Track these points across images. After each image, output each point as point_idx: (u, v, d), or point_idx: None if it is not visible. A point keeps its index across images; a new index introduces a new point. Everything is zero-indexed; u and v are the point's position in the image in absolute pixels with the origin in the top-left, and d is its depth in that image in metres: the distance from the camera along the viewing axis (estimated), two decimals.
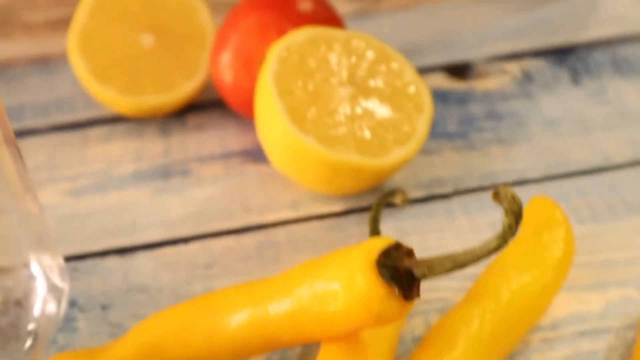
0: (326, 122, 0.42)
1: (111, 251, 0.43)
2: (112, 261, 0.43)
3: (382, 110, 0.43)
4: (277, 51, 0.44)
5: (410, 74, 0.45)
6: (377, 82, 0.44)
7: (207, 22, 0.52)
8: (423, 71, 0.54)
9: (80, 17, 0.51)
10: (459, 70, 0.54)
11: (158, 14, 0.52)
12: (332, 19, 0.49)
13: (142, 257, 0.43)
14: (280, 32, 0.47)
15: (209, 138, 0.50)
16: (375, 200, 0.43)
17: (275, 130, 0.42)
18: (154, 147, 0.50)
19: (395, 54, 0.45)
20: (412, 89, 0.44)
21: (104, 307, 0.41)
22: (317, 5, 0.49)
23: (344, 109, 0.43)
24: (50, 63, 0.58)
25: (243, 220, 0.44)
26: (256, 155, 0.49)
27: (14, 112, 0.54)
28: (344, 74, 0.44)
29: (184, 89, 0.51)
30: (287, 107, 0.42)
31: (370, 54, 0.44)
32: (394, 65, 0.45)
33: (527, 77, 0.52)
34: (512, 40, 0.56)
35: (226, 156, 0.49)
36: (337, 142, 0.42)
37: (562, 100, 0.50)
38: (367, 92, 0.43)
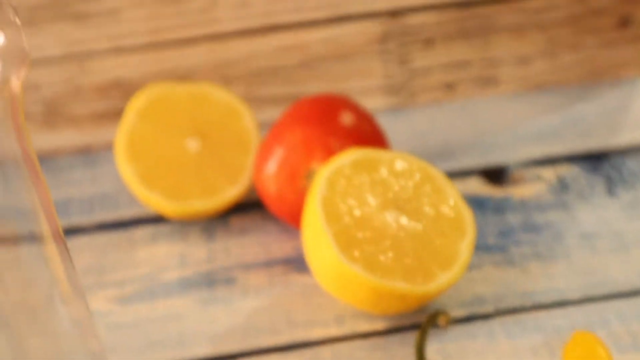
0: (372, 248, 0.43)
1: None
2: None
3: (426, 235, 0.44)
4: (324, 176, 0.45)
5: (453, 195, 0.46)
6: (421, 206, 0.45)
7: (250, 127, 0.54)
8: (459, 175, 0.55)
9: (128, 120, 0.53)
10: (495, 175, 0.55)
11: (203, 118, 0.53)
12: (374, 133, 0.50)
13: None
14: (325, 147, 0.49)
15: (252, 243, 0.51)
16: (421, 323, 0.44)
17: (323, 255, 0.43)
18: (198, 251, 0.51)
19: (438, 175, 0.46)
20: (455, 212, 0.45)
21: None
22: (359, 120, 0.50)
23: (390, 234, 0.44)
24: (94, 155, 0.59)
25: (289, 336, 0.46)
26: (299, 264, 0.50)
27: (60, 206, 0.55)
28: (390, 197, 0.45)
29: (228, 195, 0.52)
30: (335, 234, 0.43)
31: (414, 176, 0.46)
32: (437, 187, 0.46)
33: (563, 185, 0.53)
34: (547, 141, 0.57)
35: (269, 264, 0.50)
36: (383, 269, 0.43)
37: (598, 213, 0.51)
38: (412, 216, 0.45)
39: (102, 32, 0.58)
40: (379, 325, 0.46)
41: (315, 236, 0.44)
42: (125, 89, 0.60)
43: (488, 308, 0.46)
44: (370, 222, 0.44)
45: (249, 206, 0.54)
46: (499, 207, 0.52)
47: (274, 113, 0.61)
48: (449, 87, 0.62)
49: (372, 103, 0.62)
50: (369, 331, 0.45)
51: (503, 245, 0.49)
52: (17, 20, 0.32)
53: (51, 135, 0.61)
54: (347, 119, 0.50)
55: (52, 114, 0.60)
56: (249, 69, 0.60)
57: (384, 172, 0.45)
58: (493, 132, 0.59)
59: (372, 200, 0.45)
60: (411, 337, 0.45)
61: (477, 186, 0.54)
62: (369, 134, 0.50)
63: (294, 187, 0.49)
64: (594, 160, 0.55)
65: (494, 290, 0.47)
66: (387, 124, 0.60)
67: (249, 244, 0.51)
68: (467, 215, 0.45)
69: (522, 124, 0.59)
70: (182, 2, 0.58)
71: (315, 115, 0.50)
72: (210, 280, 0.49)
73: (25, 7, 0.57)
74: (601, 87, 0.62)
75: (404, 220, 0.44)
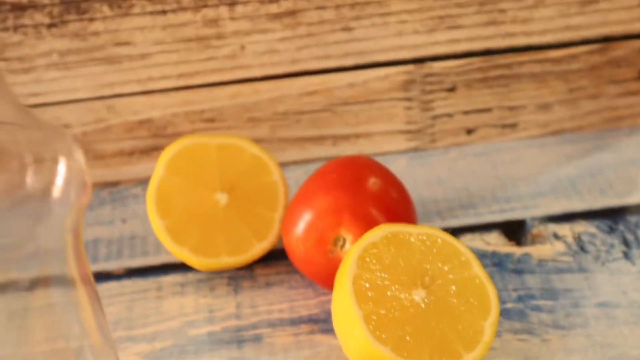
0: (401, 329, 0.45)
1: None
2: None
3: (452, 313, 0.46)
4: (356, 254, 0.46)
5: (478, 272, 0.47)
6: (448, 283, 0.47)
7: (279, 182, 0.55)
8: (479, 229, 0.57)
9: (158, 173, 0.54)
10: (514, 231, 0.56)
11: (233, 172, 0.54)
12: (401, 199, 0.52)
13: None
14: (353, 214, 0.50)
15: (278, 298, 0.53)
16: None
17: (352, 333, 0.45)
18: (225, 305, 0.53)
19: (464, 250, 0.48)
20: (480, 290, 0.47)
21: None
22: (387, 185, 0.52)
23: (418, 313, 0.46)
24: (121, 193, 0.61)
25: None
26: (324, 324, 0.52)
27: (89, 247, 0.57)
28: (418, 274, 0.46)
29: (256, 251, 0.54)
30: (365, 315, 0.45)
31: (441, 252, 0.47)
32: (463, 263, 0.47)
33: (580, 246, 0.55)
34: (564, 194, 0.58)
35: (295, 323, 0.52)
36: (411, 350, 0.45)
37: (615, 279, 0.52)
38: (439, 294, 0.46)
39: (132, 75, 0.59)
40: None
41: (346, 315, 0.45)
42: (153, 128, 0.61)
43: None
44: (399, 302, 0.46)
45: (274, 256, 0.55)
46: (518, 267, 0.54)
47: (297, 154, 0.63)
48: (470, 131, 0.63)
49: (393, 146, 0.63)
50: None
51: (522, 311, 0.51)
52: (79, 152, 0.33)
53: None
54: (375, 184, 0.51)
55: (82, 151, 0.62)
56: (275, 112, 0.61)
57: (412, 248, 0.47)
58: (512, 180, 0.60)
59: (401, 279, 0.46)
60: None
61: (497, 242, 0.56)
62: (395, 200, 0.51)
63: (321, 251, 0.51)
64: (611, 218, 0.56)
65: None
66: (408, 168, 0.62)
67: (275, 299, 0.53)
68: (492, 292, 0.47)
69: (541, 172, 0.60)
70: (212, 48, 0.59)
71: (344, 180, 0.51)
72: (239, 338, 0.51)
73: (59, 51, 0.58)
74: (619, 135, 0.63)
75: (431, 299, 0.46)
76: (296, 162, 0.63)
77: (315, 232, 0.51)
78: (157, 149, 0.62)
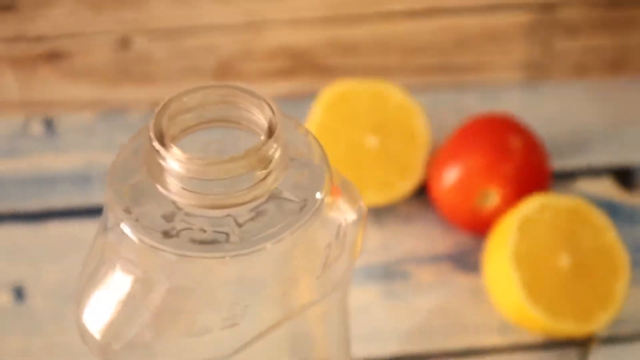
0: (551, 292, 0.52)
1: None
2: None
3: (591, 277, 0.53)
4: (514, 224, 0.53)
5: (612, 238, 0.54)
6: (588, 248, 0.53)
7: (422, 125, 0.60)
8: (590, 173, 0.63)
9: (316, 114, 0.58)
10: (625, 177, 0.62)
11: (381, 116, 0.59)
12: (542, 158, 0.58)
13: None
14: (500, 175, 0.56)
15: (419, 234, 0.60)
16: (581, 343, 0.54)
17: (509, 294, 0.52)
18: (373, 240, 0.59)
19: (602, 219, 0.54)
20: (614, 255, 0.54)
21: None
22: (529, 143, 0.57)
23: (564, 276, 0.53)
24: None
25: (462, 341, 0.55)
26: (462, 263, 0.58)
27: None
28: (564, 240, 0.53)
29: (401, 189, 0.60)
30: (521, 278, 0.52)
31: (583, 219, 0.54)
32: (601, 230, 0.54)
33: None
34: None
35: (437, 261, 0.58)
36: (558, 311, 0.52)
37: None
38: (581, 260, 0.53)
39: (281, 5, 0.63)
40: (538, 338, 0.55)
41: (503, 277, 0.52)
42: (293, 54, 0.65)
43: (626, 329, 0.55)
44: (548, 267, 0.52)
45: (414, 195, 0.61)
46: (632, 217, 0.60)
47: (425, 81, 0.67)
48: (582, 68, 0.68)
49: (511, 76, 0.68)
50: (530, 344, 0.55)
51: (637, 261, 0.58)
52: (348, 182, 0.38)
53: None
54: (520, 145, 0.57)
55: (223, 70, 0.66)
56: (408, 44, 0.65)
57: (561, 219, 0.53)
58: (623, 122, 0.65)
59: (550, 246, 0.53)
60: (568, 353, 0.54)
61: (610, 190, 0.62)
62: (536, 159, 0.57)
63: (468, 202, 0.57)
64: None
65: (631, 312, 0.56)
66: (522, 103, 0.67)
67: (416, 235, 0.60)
68: (624, 257, 0.54)
69: None
70: None
71: (492, 139, 0.57)
72: (388, 273, 0.58)
73: None
74: None
75: (574, 264, 0.53)
76: (423, 89, 0.67)
77: (465, 185, 0.57)
78: (291, 72, 0.66)
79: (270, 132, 0.32)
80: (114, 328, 0.33)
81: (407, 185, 0.60)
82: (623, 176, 0.63)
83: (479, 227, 0.58)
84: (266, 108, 0.33)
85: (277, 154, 0.32)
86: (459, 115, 0.64)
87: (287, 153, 0.33)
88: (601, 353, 0.54)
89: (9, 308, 0.56)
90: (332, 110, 0.59)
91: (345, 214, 0.36)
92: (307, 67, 0.66)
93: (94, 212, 0.61)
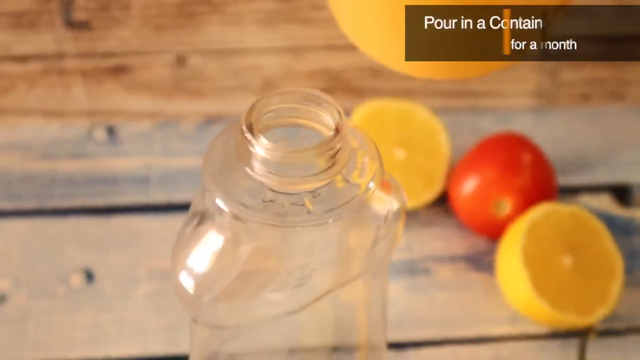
0: (556, 287, 0.60)
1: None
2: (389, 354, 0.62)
3: (591, 275, 0.61)
4: (524, 227, 0.61)
5: (609, 242, 0.62)
6: (589, 251, 0.61)
7: (444, 141, 0.68)
8: (592, 189, 0.71)
9: None
10: (622, 194, 0.71)
11: (407, 132, 0.68)
12: (549, 173, 0.66)
13: (411, 355, 0.62)
14: (513, 187, 0.64)
15: (439, 236, 0.68)
16: (579, 333, 0.62)
17: (519, 289, 0.60)
18: None
19: (600, 225, 0.62)
20: (610, 258, 0.62)
21: None
22: (540, 162, 0.65)
23: (567, 274, 0.61)
24: None
25: (476, 330, 0.63)
26: (476, 263, 0.66)
27: None
28: (567, 244, 0.61)
29: (424, 198, 0.68)
30: (530, 276, 0.60)
31: (583, 226, 0.62)
32: (598, 234, 0.62)
33: None
34: None
35: (455, 260, 0.66)
36: (562, 304, 0.60)
37: None
38: (582, 260, 0.61)
39: (320, 32, 0.71)
40: (543, 329, 0.63)
41: (514, 274, 0.60)
42: (329, 76, 0.73)
43: (621, 325, 0.63)
44: (554, 265, 0.61)
45: (435, 202, 0.69)
46: (626, 229, 0.69)
47: (445, 104, 0.75)
48: (585, 97, 0.76)
49: (521, 103, 0.76)
50: (536, 334, 0.63)
51: (630, 267, 0.66)
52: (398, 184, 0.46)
53: None
54: (530, 160, 0.65)
55: (267, 88, 0.74)
56: None
57: (565, 224, 0.61)
58: (621, 145, 0.74)
59: (556, 248, 0.61)
60: (569, 342, 0.62)
61: (607, 204, 0.70)
62: (545, 174, 0.66)
63: (484, 210, 0.65)
64: None
65: (624, 310, 0.64)
66: (532, 126, 0.75)
67: (437, 237, 0.68)
68: (619, 259, 0.62)
69: None
70: None
71: (507, 156, 0.65)
72: (412, 269, 0.66)
73: (264, 11, 0.69)
74: None
75: (576, 264, 0.61)
76: (443, 110, 0.75)
77: (481, 194, 0.65)
78: (328, 92, 0.74)
79: (337, 130, 0.40)
80: (204, 284, 0.41)
81: (429, 194, 0.68)
82: (620, 193, 0.71)
83: (493, 232, 0.66)
84: (334, 111, 0.41)
85: (341, 148, 0.40)
86: (475, 135, 0.72)
87: (349, 148, 0.41)
88: (598, 343, 0.62)
89: (81, 288, 0.64)
90: (364, 125, 0.67)
91: (391, 204, 0.44)
92: (342, 87, 0.74)
93: (151, 208, 0.69)
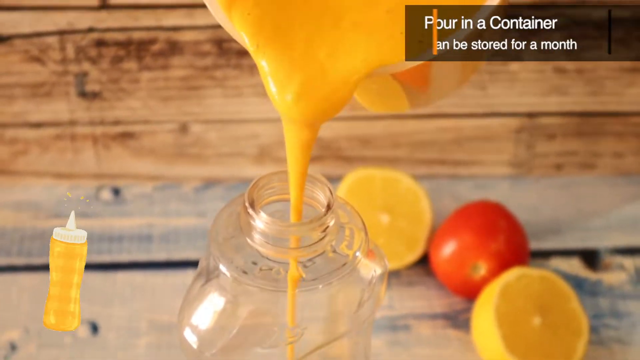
0: (526, 345, 0.66)
1: None
2: None
3: (560, 335, 0.66)
4: (497, 290, 0.66)
5: (576, 305, 0.68)
6: (557, 312, 0.67)
7: (427, 207, 0.74)
8: (563, 254, 0.77)
9: (339, 194, 0.73)
10: (590, 258, 0.76)
11: (391, 198, 0.73)
12: (522, 238, 0.71)
13: None
14: (489, 250, 0.70)
15: (419, 296, 0.73)
16: None
17: (491, 346, 0.66)
18: None
19: (568, 288, 0.68)
20: (576, 319, 0.67)
21: None
22: (513, 228, 0.71)
23: (537, 333, 0.66)
24: None
25: None
26: (455, 321, 0.72)
27: None
28: (538, 305, 0.67)
29: (407, 260, 0.73)
30: (503, 335, 0.65)
31: (552, 288, 0.67)
32: (566, 296, 0.68)
33: (639, 276, 0.75)
34: (630, 231, 0.78)
35: (433, 318, 0.72)
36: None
37: None
38: (551, 320, 0.67)
39: None
40: None
41: (487, 332, 0.66)
42: (321, 145, 0.79)
43: None
44: (525, 324, 0.66)
45: (416, 264, 0.75)
46: (593, 291, 0.74)
47: (428, 172, 0.81)
48: (558, 167, 0.82)
49: (499, 171, 0.82)
50: None
51: (596, 327, 0.72)
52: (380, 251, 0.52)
53: (259, 168, 0.80)
54: (505, 226, 0.71)
55: (262, 155, 0.80)
56: (414, 140, 0.80)
57: (535, 287, 0.67)
58: (591, 212, 0.80)
59: (526, 309, 0.66)
60: None
61: (577, 268, 0.76)
62: (518, 240, 0.71)
63: (461, 272, 0.71)
64: None
65: None
66: (508, 193, 0.81)
67: (417, 296, 0.73)
68: (584, 320, 0.67)
69: (613, 209, 0.80)
70: None
71: (483, 222, 0.71)
72: (393, 326, 0.71)
73: (262, 85, 0.75)
74: None
75: (544, 323, 0.66)
76: (426, 177, 0.81)
77: (459, 258, 0.70)
78: (320, 159, 0.80)
79: (329, 207, 0.46)
80: (206, 339, 0.47)
81: (412, 256, 0.74)
82: (588, 257, 0.77)
83: (470, 292, 0.71)
84: (326, 189, 0.47)
85: (332, 222, 0.46)
86: (455, 201, 0.78)
87: (338, 222, 0.47)
88: None
89: (87, 339, 0.69)
90: (352, 192, 0.73)
91: (375, 269, 0.50)
92: (332, 155, 0.80)
93: (153, 265, 0.74)
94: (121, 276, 0.73)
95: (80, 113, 0.75)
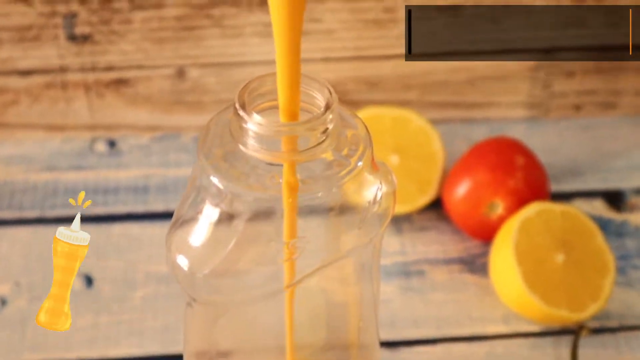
0: (548, 282, 0.61)
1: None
2: (383, 353, 0.62)
3: (583, 271, 0.62)
4: (516, 225, 0.62)
5: (601, 241, 0.63)
6: (580, 247, 0.62)
7: (438, 147, 0.70)
8: (585, 195, 0.72)
9: None
10: (614, 199, 0.72)
11: (403, 138, 0.69)
12: (540, 174, 0.67)
13: (405, 353, 0.62)
14: (506, 188, 0.65)
15: (433, 241, 0.69)
16: (573, 330, 0.63)
17: (512, 285, 0.61)
18: (392, 244, 0.68)
19: (592, 224, 0.63)
20: (602, 256, 0.63)
21: None
22: (531, 164, 0.67)
23: (559, 270, 0.61)
24: None
25: (470, 329, 0.64)
26: (471, 265, 0.67)
27: None
28: (559, 240, 0.62)
29: (419, 202, 0.69)
30: (523, 272, 0.61)
31: (574, 222, 0.63)
32: (590, 231, 0.63)
33: None
34: None
35: (448, 262, 0.67)
36: (554, 299, 0.61)
37: None
38: (574, 257, 0.62)
39: (317, 45, 0.73)
40: (535, 327, 0.64)
41: (507, 270, 0.61)
42: None
43: (614, 323, 0.64)
44: (546, 262, 0.61)
45: (429, 207, 0.71)
46: (619, 232, 0.70)
47: (440, 115, 0.77)
48: (577, 107, 0.78)
49: (514, 114, 0.78)
50: (529, 332, 0.64)
51: (623, 268, 0.67)
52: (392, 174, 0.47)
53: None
54: (523, 163, 0.66)
55: None
56: (426, 81, 0.75)
57: (557, 222, 0.62)
58: (613, 153, 0.75)
59: (548, 245, 0.62)
60: (561, 340, 0.63)
61: (600, 209, 0.71)
62: (537, 176, 0.67)
63: (477, 212, 0.66)
64: None
65: (617, 309, 0.65)
66: (525, 135, 0.76)
67: (430, 241, 0.69)
68: (610, 258, 0.63)
69: (635, 149, 0.75)
70: (384, 29, 0.72)
71: (499, 158, 0.66)
72: (406, 272, 0.67)
73: (262, 24, 0.71)
74: None
75: (568, 261, 0.62)
76: (438, 121, 0.77)
77: (475, 197, 0.66)
78: None
79: (328, 106, 0.42)
80: (198, 260, 0.43)
81: (424, 198, 0.69)
82: (612, 198, 0.72)
83: (486, 234, 0.67)
84: (325, 90, 0.42)
85: (332, 124, 0.42)
86: (469, 145, 0.74)
87: (340, 127, 0.43)
88: (590, 340, 0.63)
89: (80, 292, 0.65)
90: None
91: (380, 184, 0.45)
92: (339, 99, 0.75)
93: (150, 216, 0.70)
94: (117, 228, 0.69)
95: (70, 59, 0.72)
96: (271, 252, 0.42)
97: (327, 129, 0.42)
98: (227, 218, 0.42)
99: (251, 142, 0.41)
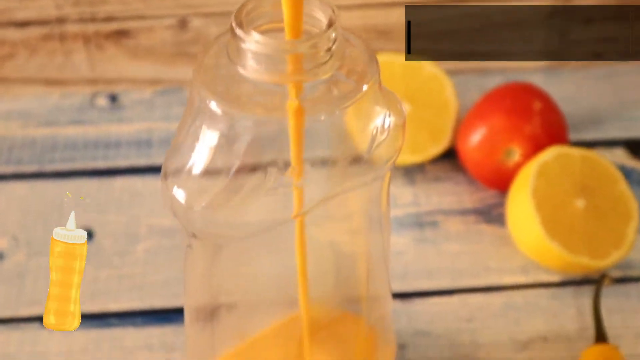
0: (568, 229, 0.58)
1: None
2: (396, 304, 0.60)
3: (605, 218, 0.59)
4: (534, 170, 0.59)
5: (624, 187, 0.60)
6: (602, 193, 0.59)
7: (451, 95, 0.67)
8: (605, 144, 0.69)
9: None
10: (636, 148, 0.69)
11: (414, 86, 0.66)
12: (558, 119, 0.64)
13: (419, 304, 0.60)
14: (522, 133, 0.62)
15: (447, 191, 0.66)
16: (595, 280, 0.60)
17: (530, 232, 0.58)
18: (405, 194, 0.66)
19: (615, 170, 0.60)
20: (625, 202, 0.60)
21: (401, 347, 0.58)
22: (548, 108, 0.64)
23: (579, 216, 0.59)
24: None
25: (487, 279, 0.61)
26: (487, 216, 0.64)
27: None
28: (579, 186, 0.59)
29: (431, 151, 0.66)
30: (542, 218, 0.58)
31: (595, 168, 0.60)
32: (614, 180, 0.60)
33: None
34: None
35: (463, 213, 0.65)
36: (575, 246, 0.58)
37: None
38: (596, 203, 0.59)
39: None
40: (555, 277, 0.61)
41: (525, 217, 0.58)
42: None
43: (637, 272, 0.61)
44: (566, 208, 0.59)
45: (441, 157, 0.68)
46: None
47: (453, 65, 0.74)
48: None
49: (531, 64, 0.75)
50: (549, 282, 0.61)
51: None
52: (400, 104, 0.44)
53: None
54: (539, 108, 0.63)
55: None
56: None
57: (577, 167, 0.60)
58: (634, 102, 0.72)
59: (568, 190, 0.59)
60: (581, 289, 0.60)
61: (623, 157, 0.68)
62: (554, 121, 0.64)
63: (492, 159, 0.63)
64: None
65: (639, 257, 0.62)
66: (542, 84, 0.73)
67: (444, 192, 0.66)
68: (634, 204, 0.60)
69: None
70: None
71: (515, 103, 0.63)
72: (419, 222, 0.64)
73: None
74: None
75: (589, 206, 0.59)
76: (451, 71, 0.74)
77: (490, 143, 0.63)
78: None
79: (330, 24, 0.39)
80: (196, 190, 0.40)
81: (436, 148, 0.66)
82: (634, 147, 0.69)
83: (503, 182, 0.64)
84: (328, 9, 0.40)
85: (335, 43, 0.39)
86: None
87: (344, 48, 0.40)
88: (613, 290, 0.60)
89: None
90: None
91: (387, 112, 0.42)
92: None
93: (153, 170, 0.68)
94: (119, 182, 0.67)
95: (68, 9, 0.69)
96: (274, 180, 0.40)
97: (330, 47, 0.39)
98: (226, 144, 0.39)
99: (250, 63, 0.38)
